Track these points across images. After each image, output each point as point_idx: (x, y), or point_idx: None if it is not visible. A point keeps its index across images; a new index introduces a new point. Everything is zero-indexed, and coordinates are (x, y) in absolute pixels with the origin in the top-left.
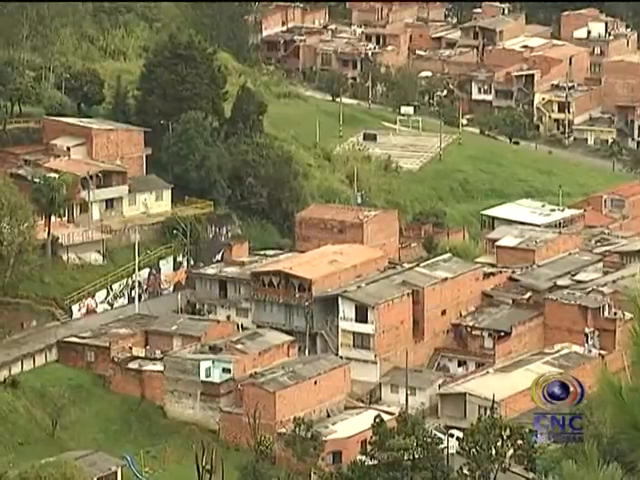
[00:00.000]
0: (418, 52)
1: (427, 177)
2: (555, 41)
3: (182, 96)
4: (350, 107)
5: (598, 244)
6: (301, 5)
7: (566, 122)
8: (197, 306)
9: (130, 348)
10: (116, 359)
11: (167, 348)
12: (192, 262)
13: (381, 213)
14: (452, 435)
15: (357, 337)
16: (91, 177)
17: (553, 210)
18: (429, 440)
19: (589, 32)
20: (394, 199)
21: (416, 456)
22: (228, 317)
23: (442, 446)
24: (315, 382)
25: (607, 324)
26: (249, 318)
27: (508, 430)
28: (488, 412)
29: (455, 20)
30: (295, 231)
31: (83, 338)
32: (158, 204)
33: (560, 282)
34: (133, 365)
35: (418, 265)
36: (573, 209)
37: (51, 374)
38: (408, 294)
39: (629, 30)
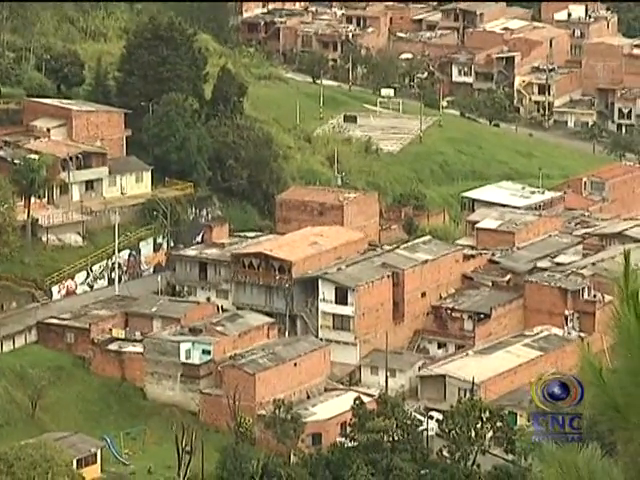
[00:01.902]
0: (398, 34)
1: (407, 159)
2: (535, 23)
3: (162, 77)
4: (330, 89)
5: (578, 226)
6: None
7: (546, 104)
8: (177, 288)
9: (110, 330)
10: (96, 341)
11: (147, 330)
12: (172, 244)
13: (361, 195)
14: (432, 417)
15: (337, 319)
16: (71, 158)
17: (533, 192)
18: (409, 422)
19: (569, 14)
20: (374, 181)
21: (396, 438)
22: (208, 299)
23: (422, 428)
24: (295, 364)
25: (587, 306)
26: (229, 300)
27: (488, 412)
28: (468, 394)
29: (435, 2)
30: (275, 213)
31: (63, 319)
32: (138, 185)
33: (540, 264)
34: (113, 347)
35: (398, 247)
36: (553, 191)
37: (31, 355)
38: (388, 276)
39: (609, 12)
